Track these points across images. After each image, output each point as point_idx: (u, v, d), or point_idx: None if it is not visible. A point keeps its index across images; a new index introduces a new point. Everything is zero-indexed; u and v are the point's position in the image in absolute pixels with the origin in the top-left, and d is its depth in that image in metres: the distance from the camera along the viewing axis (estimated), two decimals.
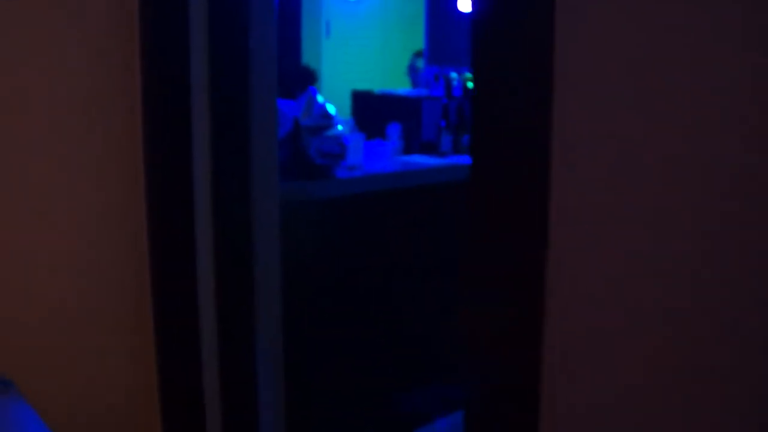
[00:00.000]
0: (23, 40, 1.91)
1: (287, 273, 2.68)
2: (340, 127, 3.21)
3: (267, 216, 2.67)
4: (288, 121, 2.87)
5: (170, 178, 2.67)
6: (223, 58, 2.66)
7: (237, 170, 2.68)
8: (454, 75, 4.06)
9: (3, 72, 1.88)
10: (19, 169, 1.90)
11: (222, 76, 2.67)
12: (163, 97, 2.68)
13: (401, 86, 5.41)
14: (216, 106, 2.67)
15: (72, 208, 2.04)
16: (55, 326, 1.98)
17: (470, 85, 4.11)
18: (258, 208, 2.63)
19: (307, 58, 5.47)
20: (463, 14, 4.08)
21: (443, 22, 4.49)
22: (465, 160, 3.65)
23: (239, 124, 2.62)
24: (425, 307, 3.28)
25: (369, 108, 4.11)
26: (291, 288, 2.60)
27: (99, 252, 2.14)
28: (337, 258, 3.01)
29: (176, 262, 2.63)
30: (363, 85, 5.80)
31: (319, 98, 2.89)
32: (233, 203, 2.71)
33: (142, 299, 2.28)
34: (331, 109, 2.90)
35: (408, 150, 3.82)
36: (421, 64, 5.08)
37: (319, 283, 2.93)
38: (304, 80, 4.51)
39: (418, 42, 6.17)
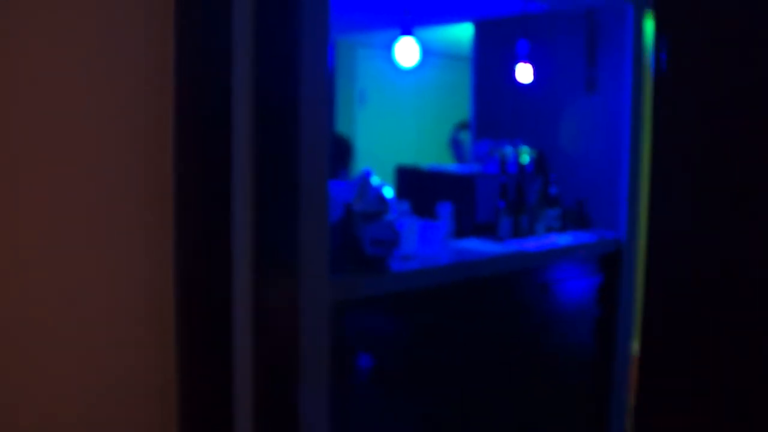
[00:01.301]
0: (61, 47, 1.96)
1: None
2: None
3: (314, 319, 2.28)
4: (339, 207, 2.50)
5: (211, 269, 2.30)
6: (270, 133, 2.32)
7: (282, 267, 2.31)
8: (509, 149, 3.70)
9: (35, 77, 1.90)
10: (50, 174, 1.97)
11: (269, 154, 2.33)
12: (203, 175, 2.32)
13: (440, 160, 5.06)
14: (262, 190, 2.31)
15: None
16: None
17: (525, 159, 3.75)
18: (305, 310, 2.24)
19: (341, 127, 5.15)
20: (518, 84, 3.73)
21: (493, 92, 4.15)
22: (526, 245, 3.26)
23: (287, 212, 2.25)
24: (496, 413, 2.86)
25: (416, 185, 3.75)
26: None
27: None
28: (393, 357, 2.61)
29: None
30: (399, 157, 5.46)
31: (374, 180, 2.52)
32: (277, 311, 2.32)
33: None
34: (387, 192, 2.53)
35: (460, 232, 3.44)
36: (465, 136, 4.74)
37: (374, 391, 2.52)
38: (342, 154, 4.18)
39: (458, 113, 5.85)
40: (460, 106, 6.00)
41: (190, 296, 2.27)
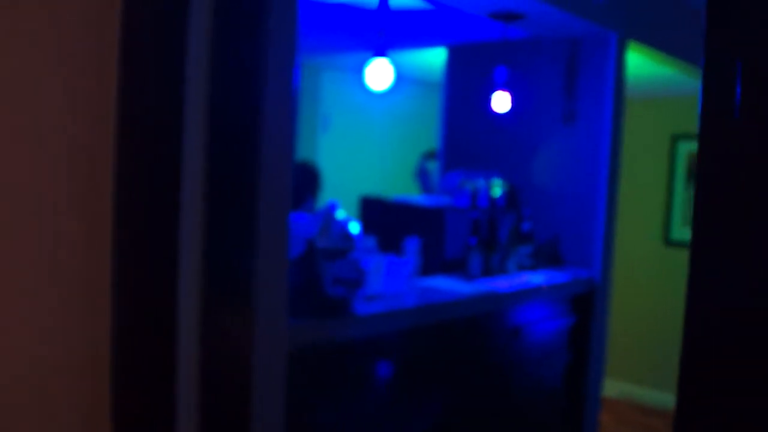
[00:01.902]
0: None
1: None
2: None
3: (269, 369, 2.02)
4: (300, 242, 2.25)
5: (155, 304, 2.04)
6: (226, 157, 2.07)
7: (236, 307, 2.05)
8: (481, 182, 3.50)
9: None
10: None
11: (224, 179, 2.08)
12: (148, 195, 2.06)
13: (406, 190, 4.85)
14: (215, 219, 2.06)
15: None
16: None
17: (497, 192, 3.55)
18: (260, 359, 1.98)
19: (302, 153, 4.91)
20: (492, 113, 3.54)
21: (464, 120, 3.96)
22: (497, 285, 3.04)
23: (243, 245, 2.00)
24: None
25: (381, 217, 3.52)
26: None
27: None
28: (356, 410, 2.36)
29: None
30: (363, 187, 5.24)
31: (339, 214, 2.29)
32: (228, 357, 2.06)
33: None
34: (353, 228, 2.30)
35: (428, 269, 3.21)
36: (433, 166, 4.53)
37: None
38: (309, 181, 3.93)
39: (425, 141, 5.65)
40: (428, 134, 5.82)
41: (129, 346, 2.00)
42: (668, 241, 5.59)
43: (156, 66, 1.98)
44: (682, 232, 5.53)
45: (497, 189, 3.57)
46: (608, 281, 3.61)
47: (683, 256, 5.51)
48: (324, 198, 4.14)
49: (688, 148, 5.51)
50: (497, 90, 3.22)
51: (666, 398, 5.46)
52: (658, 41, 3.72)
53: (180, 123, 1.95)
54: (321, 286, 2.29)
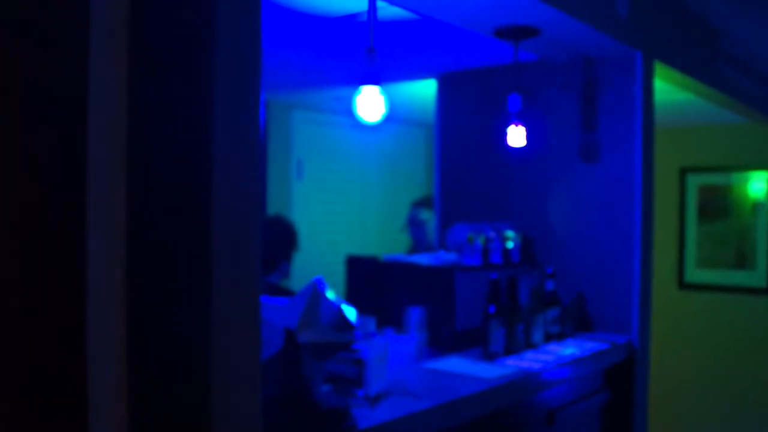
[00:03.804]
0: None
1: None
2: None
3: None
4: (276, 335, 1.64)
5: None
6: (161, 222, 1.46)
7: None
8: (492, 234, 2.91)
9: None
10: None
11: (158, 256, 1.47)
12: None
13: (394, 247, 4.25)
14: (142, 316, 1.44)
15: None
16: None
17: (509, 246, 2.96)
18: None
19: (273, 206, 4.30)
20: (496, 152, 2.98)
21: (461, 161, 3.39)
22: (526, 365, 2.44)
23: (190, 347, 1.39)
24: None
25: (371, 281, 2.91)
26: None
27: None
28: None
29: None
30: (344, 242, 4.63)
31: (330, 294, 1.68)
32: None
33: None
34: (350, 313, 1.69)
35: (435, 346, 2.60)
36: (426, 216, 3.94)
37: None
38: (282, 243, 3.31)
39: (417, 187, 5.08)
40: (419, 180, 5.25)
41: None
42: (682, 284, 5.04)
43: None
44: (697, 273, 4.99)
45: (509, 242, 2.99)
46: (647, 346, 3.02)
47: (699, 300, 4.97)
48: (300, 259, 3.53)
49: (698, 182, 5.00)
50: (511, 123, 2.65)
51: None
52: (682, 62, 3.19)
53: (84, 159, 1.33)
54: (308, 395, 1.67)
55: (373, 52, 2.14)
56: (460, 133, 3.47)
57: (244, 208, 1.40)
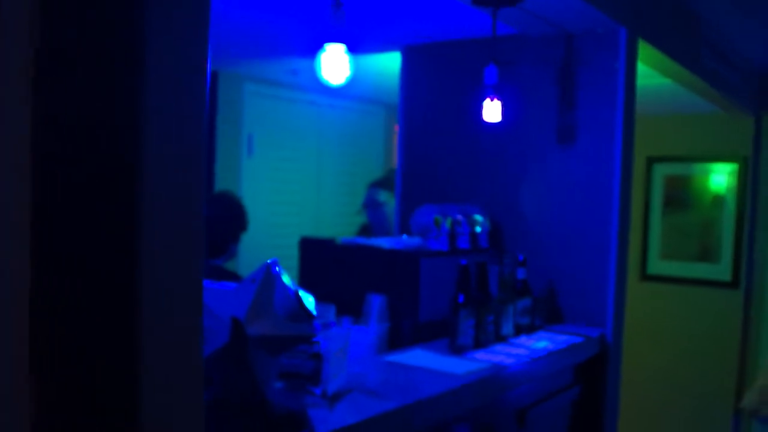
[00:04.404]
0: None
1: None
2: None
3: None
4: (222, 327, 1.39)
5: None
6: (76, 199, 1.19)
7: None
8: (460, 218, 2.69)
9: None
10: None
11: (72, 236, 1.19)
12: None
13: (350, 230, 4.02)
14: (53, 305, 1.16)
15: None
16: None
17: (478, 230, 2.75)
18: None
19: (223, 184, 4.02)
20: (464, 131, 2.77)
21: (426, 140, 3.17)
22: (498, 358, 2.23)
23: (115, 340, 1.12)
24: None
25: (329, 266, 2.67)
26: None
27: None
28: None
29: None
30: (297, 224, 4.38)
31: (286, 279, 1.44)
32: None
33: None
34: (308, 301, 1.45)
35: (395, 338, 2.38)
36: (385, 197, 3.71)
37: None
38: (230, 223, 3.05)
39: (375, 167, 4.84)
40: (376, 160, 5.01)
41: None
42: (645, 276, 4.91)
43: None
44: (660, 265, 4.87)
45: (478, 227, 2.78)
46: (620, 340, 2.84)
47: (662, 292, 4.84)
48: (247, 241, 3.26)
49: (664, 172, 4.87)
50: (486, 96, 2.43)
51: None
52: (666, 44, 3.01)
53: None
54: (258, 396, 1.43)
55: (340, 7, 1.89)
56: (425, 109, 3.24)
57: (184, 180, 1.15)
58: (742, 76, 4.09)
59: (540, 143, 2.87)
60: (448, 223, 2.64)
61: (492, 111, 2.41)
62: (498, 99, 2.43)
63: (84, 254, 1.12)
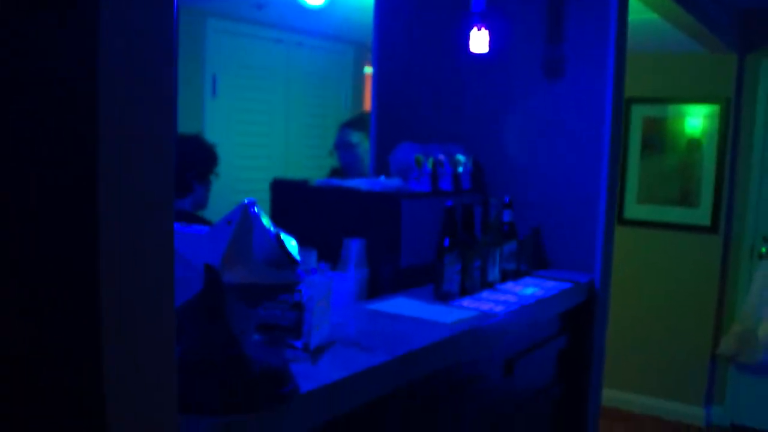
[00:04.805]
0: None
1: None
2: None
3: None
4: (195, 274, 1.22)
5: None
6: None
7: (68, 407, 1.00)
8: (442, 157, 2.53)
9: None
10: None
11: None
12: None
13: (321, 172, 3.83)
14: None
15: None
16: None
17: (460, 170, 2.60)
18: None
19: (185, 126, 3.79)
20: (445, 65, 2.59)
21: (405, 76, 2.97)
22: (485, 307, 2.10)
23: (72, 295, 0.94)
24: None
25: (302, 210, 2.50)
26: None
27: None
28: None
29: None
30: (265, 168, 4.17)
31: (265, 220, 1.27)
32: None
33: None
34: (290, 245, 1.28)
35: (375, 285, 2.23)
36: (358, 138, 3.52)
37: None
38: (197, 164, 2.85)
39: (345, 107, 4.63)
40: (346, 101, 4.80)
41: None
42: (621, 220, 4.81)
43: None
44: (638, 209, 4.77)
45: (460, 167, 2.62)
46: (608, 286, 2.73)
47: (639, 236, 4.75)
48: (214, 186, 3.06)
49: (643, 113, 4.74)
50: (474, 25, 2.24)
51: (625, 397, 4.73)
52: None
53: None
54: (236, 350, 1.26)
55: None
56: (402, 42, 3.04)
57: (148, 112, 0.96)
58: (728, 14, 3.95)
59: (525, 78, 2.70)
60: (429, 163, 2.47)
61: (479, 41, 2.23)
62: (485, 27, 2.25)
63: (36, 189, 0.94)
